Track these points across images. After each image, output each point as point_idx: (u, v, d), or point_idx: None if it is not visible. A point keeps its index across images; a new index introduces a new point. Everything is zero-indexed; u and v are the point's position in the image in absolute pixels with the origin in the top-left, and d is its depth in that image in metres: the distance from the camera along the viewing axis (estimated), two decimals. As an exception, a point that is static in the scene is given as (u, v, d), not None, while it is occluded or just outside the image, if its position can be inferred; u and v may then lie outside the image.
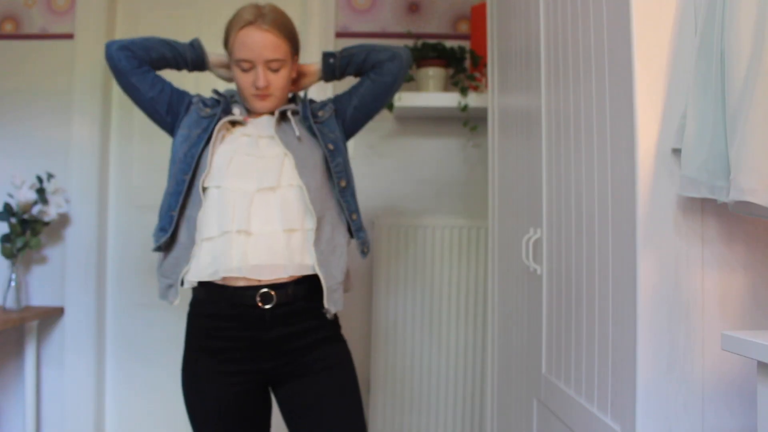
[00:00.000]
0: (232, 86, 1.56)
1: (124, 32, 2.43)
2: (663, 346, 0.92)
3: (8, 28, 2.39)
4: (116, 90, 2.43)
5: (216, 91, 1.54)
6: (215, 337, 1.34)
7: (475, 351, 2.26)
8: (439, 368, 2.26)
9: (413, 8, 2.38)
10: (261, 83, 1.38)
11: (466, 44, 2.29)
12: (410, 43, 2.27)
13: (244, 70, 1.40)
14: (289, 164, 1.35)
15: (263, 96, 1.41)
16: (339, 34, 2.36)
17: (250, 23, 1.36)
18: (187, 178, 1.37)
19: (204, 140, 1.39)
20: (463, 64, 2.20)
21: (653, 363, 0.92)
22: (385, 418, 2.25)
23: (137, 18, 2.44)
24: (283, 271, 1.30)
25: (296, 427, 1.37)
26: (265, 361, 1.33)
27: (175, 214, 1.36)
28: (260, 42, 1.36)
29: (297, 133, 1.41)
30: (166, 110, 1.48)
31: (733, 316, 0.93)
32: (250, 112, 1.48)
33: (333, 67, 1.53)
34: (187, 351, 1.41)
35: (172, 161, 1.45)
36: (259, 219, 1.30)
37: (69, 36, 2.36)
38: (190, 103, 1.49)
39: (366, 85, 1.52)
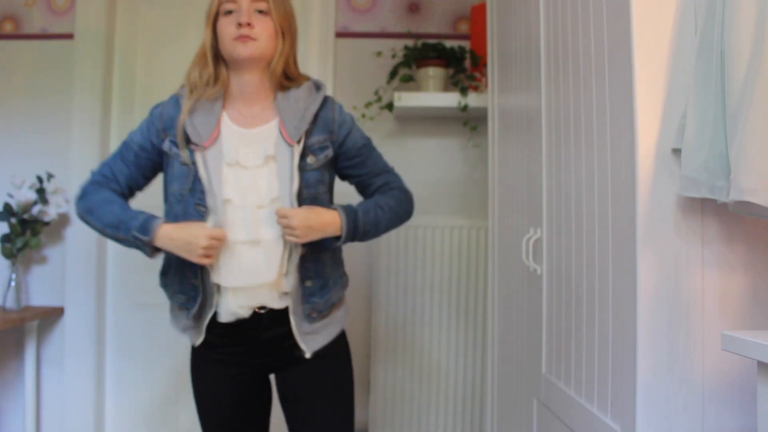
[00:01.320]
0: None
1: (124, 32, 2.43)
2: (663, 346, 0.92)
3: (8, 28, 2.39)
4: (116, 90, 2.43)
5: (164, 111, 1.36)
6: (215, 335, 1.37)
7: (475, 351, 2.26)
8: (439, 368, 2.26)
9: (413, 8, 2.38)
10: (244, 18, 1.25)
11: (466, 44, 2.29)
12: (410, 42, 2.27)
13: (228, 13, 1.29)
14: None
15: (246, 37, 1.26)
16: (339, 34, 2.36)
17: None
18: None
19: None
20: (463, 64, 2.20)
21: (653, 363, 0.91)
22: (385, 418, 2.25)
23: (137, 18, 2.44)
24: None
25: (287, 414, 1.42)
26: (264, 356, 1.38)
27: None
28: None
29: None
30: (156, 164, 1.37)
31: (733, 316, 0.93)
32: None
33: (353, 236, 1.35)
34: (192, 349, 1.45)
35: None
36: None
37: (69, 36, 2.36)
38: (161, 148, 1.33)
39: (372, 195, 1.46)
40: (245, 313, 1.30)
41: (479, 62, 2.16)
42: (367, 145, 1.44)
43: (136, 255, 2.39)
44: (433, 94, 2.17)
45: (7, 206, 2.19)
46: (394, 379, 2.26)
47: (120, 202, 1.31)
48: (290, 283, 1.30)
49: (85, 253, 2.32)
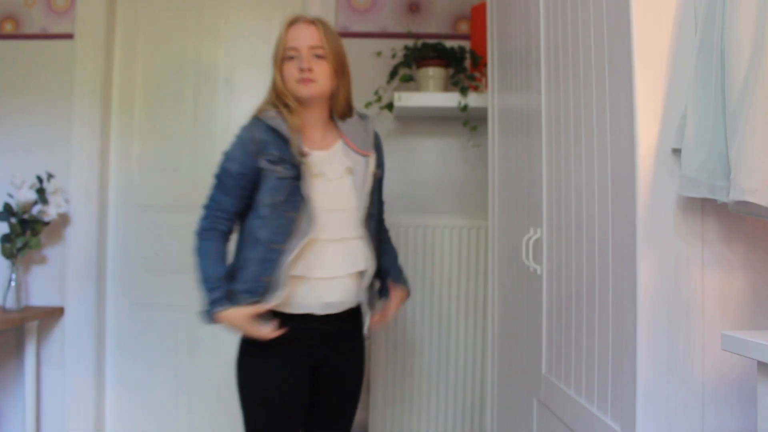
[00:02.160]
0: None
1: (124, 32, 2.43)
2: (663, 346, 0.92)
3: (8, 28, 2.39)
4: (116, 90, 2.43)
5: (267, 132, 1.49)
6: (294, 329, 1.49)
7: (475, 351, 2.26)
8: (439, 368, 2.26)
9: (413, 8, 2.38)
10: (305, 64, 1.47)
11: (466, 44, 2.29)
12: (410, 42, 2.27)
13: (290, 58, 1.50)
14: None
15: (307, 80, 1.48)
16: (339, 34, 2.36)
17: (297, 20, 1.53)
18: None
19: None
20: (463, 64, 2.20)
21: (653, 363, 0.91)
22: (385, 418, 2.25)
23: (137, 18, 2.44)
24: None
25: (316, 405, 1.57)
26: (325, 348, 1.53)
27: None
28: (305, 31, 1.50)
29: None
30: (254, 184, 1.49)
31: (734, 316, 0.93)
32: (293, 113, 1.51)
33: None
34: (257, 345, 1.48)
35: None
36: None
37: (69, 36, 2.36)
38: (258, 167, 1.47)
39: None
40: (332, 302, 1.49)
41: (479, 62, 2.16)
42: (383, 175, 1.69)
43: (135, 255, 2.40)
44: (433, 94, 2.17)
45: (7, 206, 2.19)
46: (394, 379, 2.26)
47: (214, 258, 1.49)
48: (366, 280, 1.55)
49: (85, 253, 2.32)
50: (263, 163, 1.45)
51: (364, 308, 1.56)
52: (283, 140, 1.46)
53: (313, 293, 1.47)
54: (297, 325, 1.47)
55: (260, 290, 1.44)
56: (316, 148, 1.51)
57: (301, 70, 1.47)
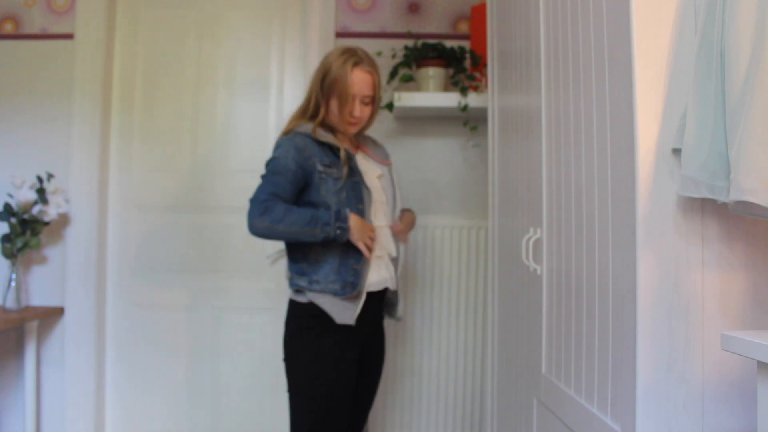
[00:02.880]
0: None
1: (124, 32, 2.43)
2: (663, 346, 0.92)
3: (8, 28, 2.39)
4: (116, 90, 2.43)
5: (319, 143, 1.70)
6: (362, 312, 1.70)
7: (475, 351, 2.26)
8: (439, 368, 2.26)
9: (413, 8, 2.38)
10: (357, 113, 1.71)
11: (466, 44, 2.29)
12: (410, 42, 2.27)
13: (363, 103, 1.73)
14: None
15: (354, 123, 1.73)
16: (339, 34, 2.36)
17: (360, 62, 1.70)
18: None
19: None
20: (463, 64, 2.20)
21: (653, 363, 0.91)
22: (385, 418, 2.25)
23: (137, 18, 2.44)
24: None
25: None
26: (367, 326, 1.73)
27: None
28: (365, 81, 1.70)
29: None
30: (303, 183, 1.68)
31: (734, 316, 0.93)
32: (335, 133, 1.74)
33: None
34: (326, 335, 1.65)
35: None
36: None
37: (69, 36, 2.36)
38: (313, 170, 1.67)
39: None
40: (379, 280, 1.71)
41: (479, 62, 2.16)
42: None
43: (135, 256, 2.40)
44: (433, 94, 2.17)
45: (7, 206, 2.19)
46: (394, 379, 2.26)
47: (299, 208, 1.63)
48: (400, 268, 1.82)
49: (85, 253, 2.32)
50: (319, 167, 1.65)
51: (399, 293, 1.84)
52: (330, 149, 1.68)
53: (372, 271, 1.69)
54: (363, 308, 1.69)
55: (352, 279, 1.65)
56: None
57: (352, 115, 1.70)
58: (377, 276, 1.70)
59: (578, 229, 1.15)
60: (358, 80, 1.69)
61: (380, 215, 1.75)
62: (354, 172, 1.69)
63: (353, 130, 1.75)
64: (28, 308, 2.25)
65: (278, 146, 1.67)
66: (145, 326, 2.39)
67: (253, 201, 1.61)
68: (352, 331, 1.66)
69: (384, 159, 1.86)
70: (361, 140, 1.85)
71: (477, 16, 2.20)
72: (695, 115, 0.87)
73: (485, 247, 2.24)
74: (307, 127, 1.70)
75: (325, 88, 1.70)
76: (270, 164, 1.66)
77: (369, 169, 1.76)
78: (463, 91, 2.13)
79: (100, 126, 2.35)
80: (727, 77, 0.82)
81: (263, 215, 1.59)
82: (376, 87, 1.73)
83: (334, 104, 1.70)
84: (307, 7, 2.35)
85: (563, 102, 1.22)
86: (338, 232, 1.60)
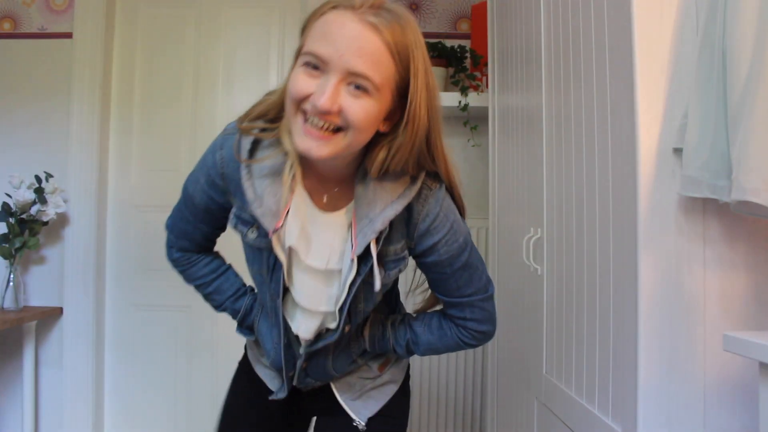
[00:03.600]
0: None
1: (122, 31, 2.43)
2: (664, 346, 0.91)
3: (7, 27, 2.39)
4: (115, 89, 2.43)
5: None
6: None
7: (475, 351, 2.25)
8: (439, 368, 2.26)
9: (413, 7, 2.38)
10: (326, 103, 0.79)
11: (466, 43, 2.28)
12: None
13: (310, 69, 0.81)
14: None
15: (319, 130, 0.81)
16: (338, 34, 2.36)
17: (348, 7, 0.81)
18: None
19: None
20: (463, 64, 2.20)
21: (654, 363, 0.91)
22: (385, 419, 2.24)
23: (136, 17, 2.44)
24: None
25: None
26: None
27: None
28: (352, 35, 0.79)
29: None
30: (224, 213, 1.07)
31: (735, 317, 0.92)
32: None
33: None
34: None
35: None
36: None
37: (68, 35, 2.35)
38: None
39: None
40: None
41: (480, 62, 2.15)
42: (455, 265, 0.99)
43: (134, 255, 2.40)
44: (433, 94, 2.16)
45: (5, 206, 2.18)
46: (394, 379, 2.25)
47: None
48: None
49: (83, 254, 2.31)
50: (233, 222, 1.08)
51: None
52: None
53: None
54: None
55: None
56: (318, 206, 1.04)
57: (314, 104, 0.80)
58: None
59: (579, 228, 1.14)
60: (336, 32, 0.79)
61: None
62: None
63: (311, 150, 0.82)
64: (26, 308, 2.24)
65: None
66: (144, 326, 2.39)
67: None
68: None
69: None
70: (363, 200, 0.91)
71: (477, 16, 2.19)
72: (697, 115, 0.87)
73: (485, 247, 2.23)
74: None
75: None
76: None
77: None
78: (464, 91, 2.12)
79: (99, 125, 2.34)
80: (729, 77, 0.82)
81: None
82: (391, 56, 0.81)
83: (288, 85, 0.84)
84: (306, 5, 2.34)
85: (564, 101, 1.22)
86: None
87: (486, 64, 2.05)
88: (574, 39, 1.17)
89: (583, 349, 1.12)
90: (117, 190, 2.42)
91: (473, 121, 2.23)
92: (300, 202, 0.95)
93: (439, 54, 2.17)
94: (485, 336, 1.05)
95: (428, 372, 2.26)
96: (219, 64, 2.42)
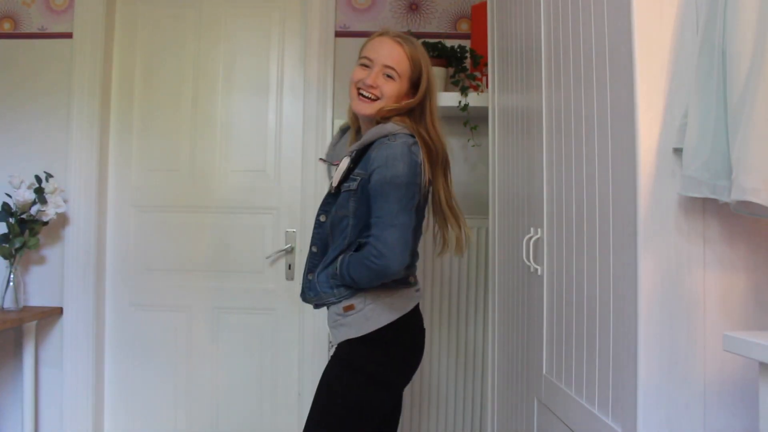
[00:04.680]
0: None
1: (123, 31, 2.43)
2: (664, 346, 0.91)
3: (6, 27, 2.39)
4: (115, 89, 2.43)
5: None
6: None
7: (475, 351, 2.25)
8: (439, 368, 2.26)
9: (413, 7, 2.38)
10: (370, 80, 1.45)
11: (466, 43, 2.28)
12: (410, 42, 2.26)
13: (363, 66, 1.48)
14: None
15: (364, 97, 1.46)
16: (339, 33, 2.36)
17: (385, 34, 1.51)
18: None
19: None
20: (463, 64, 2.20)
21: (655, 363, 0.91)
22: (385, 419, 2.24)
23: (136, 17, 2.44)
24: None
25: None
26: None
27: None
28: (387, 47, 1.47)
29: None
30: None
31: (735, 317, 0.92)
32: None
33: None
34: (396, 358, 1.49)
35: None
36: None
37: (68, 35, 2.35)
38: None
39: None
40: None
41: (480, 62, 2.15)
42: (378, 190, 1.41)
43: (134, 255, 2.40)
44: (433, 94, 2.16)
45: (5, 206, 2.18)
46: (394, 379, 2.25)
47: None
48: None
49: (83, 254, 2.31)
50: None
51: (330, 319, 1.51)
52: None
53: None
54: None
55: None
56: None
57: (365, 82, 1.48)
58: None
59: (579, 228, 1.14)
60: (379, 44, 1.48)
61: None
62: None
63: (362, 106, 1.47)
64: (26, 308, 2.24)
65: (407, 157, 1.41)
66: (144, 326, 2.39)
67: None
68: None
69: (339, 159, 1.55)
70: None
71: (477, 16, 2.19)
72: (697, 115, 0.86)
73: (485, 247, 2.23)
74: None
75: None
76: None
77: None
78: (464, 91, 2.12)
79: (99, 125, 2.34)
80: (729, 76, 0.82)
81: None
82: (409, 61, 1.47)
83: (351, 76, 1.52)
84: (306, 5, 2.34)
85: (564, 101, 1.22)
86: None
87: (486, 64, 2.05)
88: (574, 39, 1.17)
89: (583, 349, 1.12)
90: (117, 190, 2.42)
91: (473, 121, 2.23)
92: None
93: (439, 54, 2.17)
94: (380, 255, 1.36)
95: (428, 372, 2.26)
96: (219, 63, 2.42)
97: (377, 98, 1.46)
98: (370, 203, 1.41)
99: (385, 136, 1.42)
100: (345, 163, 1.44)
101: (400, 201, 1.38)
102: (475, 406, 2.25)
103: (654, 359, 0.91)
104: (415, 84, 1.49)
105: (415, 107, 1.49)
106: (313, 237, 1.55)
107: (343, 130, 1.65)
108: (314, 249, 1.55)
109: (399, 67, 1.46)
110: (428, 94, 1.50)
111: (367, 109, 1.47)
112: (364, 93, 1.46)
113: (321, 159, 1.54)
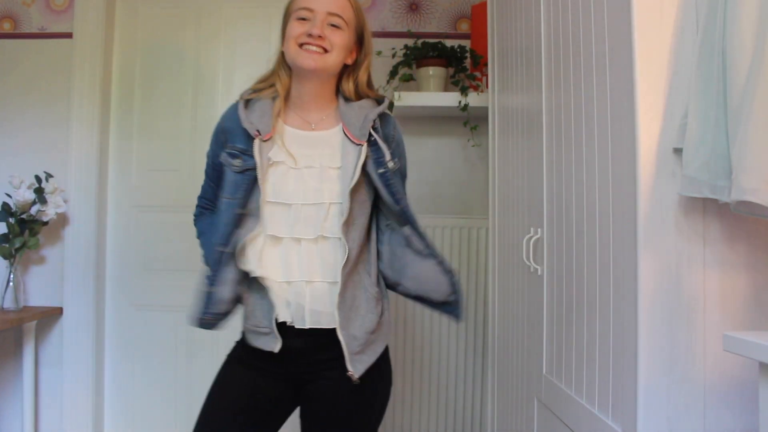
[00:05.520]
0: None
1: (123, 31, 2.43)
2: (664, 346, 0.91)
3: (6, 27, 2.39)
4: (115, 89, 2.43)
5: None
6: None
7: (475, 351, 2.25)
8: (439, 368, 2.26)
9: (413, 7, 2.38)
10: (316, 30, 1.21)
11: (466, 43, 2.28)
12: (410, 42, 2.26)
13: (301, 19, 1.24)
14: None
15: (314, 48, 1.22)
16: (338, 34, 2.36)
17: None
18: None
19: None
20: (463, 64, 2.20)
21: (654, 363, 0.91)
22: (386, 418, 2.24)
23: (136, 17, 2.44)
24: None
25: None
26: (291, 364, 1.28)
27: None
28: None
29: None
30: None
31: (735, 317, 0.92)
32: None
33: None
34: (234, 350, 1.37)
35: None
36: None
37: (68, 35, 2.35)
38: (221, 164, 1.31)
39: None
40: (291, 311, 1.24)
41: (480, 62, 2.15)
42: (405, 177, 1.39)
43: (134, 256, 2.40)
44: (433, 94, 2.16)
45: (5, 206, 2.18)
46: (395, 378, 2.25)
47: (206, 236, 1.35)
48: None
49: (83, 254, 2.31)
50: (223, 156, 1.28)
51: (342, 333, 1.21)
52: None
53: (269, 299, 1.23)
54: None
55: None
56: (305, 129, 1.29)
57: (310, 34, 1.23)
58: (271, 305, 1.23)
59: (579, 229, 1.14)
60: None
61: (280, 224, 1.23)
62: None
63: (311, 61, 1.21)
64: (26, 308, 2.24)
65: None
66: (144, 326, 2.39)
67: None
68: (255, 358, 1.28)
69: (356, 135, 1.26)
70: (344, 109, 1.29)
71: (477, 16, 2.19)
72: (697, 115, 0.86)
73: (485, 247, 2.23)
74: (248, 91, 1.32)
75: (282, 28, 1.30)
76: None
77: (308, 153, 1.25)
78: (464, 91, 2.12)
79: (99, 125, 2.34)
80: (729, 76, 0.82)
81: (195, 221, 1.43)
82: (353, 9, 1.27)
83: (286, 34, 1.26)
84: (306, 6, 2.34)
85: (564, 101, 1.22)
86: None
87: (486, 64, 2.05)
88: (574, 39, 1.17)
89: (583, 349, 1.12)
90: (117, 190, 2.42)
91: (473, 121, 2.23)
92: (288, 133, 1.28)
93: (439, 54, 2.17)
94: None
95: (428, 371, 2.26)
96: (219, 63, 2.42)
97: (326, 51, 1.23)
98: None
99: (385, 106, 1.32)
100: (363, 150, 1.23)
101: None
102: (475, 406, 2.25)
103: (654, 359, 0.91)
104: (359, 37, 1.30)
105: (361, 66, 1.31)
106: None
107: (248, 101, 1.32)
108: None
109: (345, 15, 1.25)
110: (370, 51, 1.33)
111: (319, 61, 1.22)
112: (312, 47, 1.22)
113: (257, 132, 1.23)
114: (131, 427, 2.40)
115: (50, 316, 2.29)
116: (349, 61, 1.31)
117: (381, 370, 1.30)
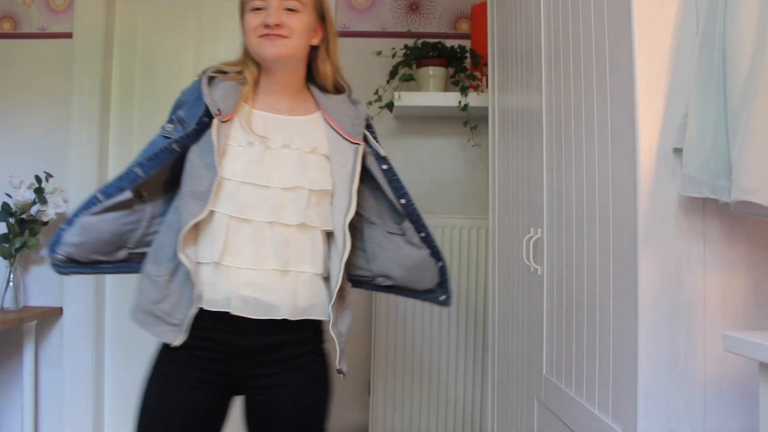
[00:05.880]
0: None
1: (123, 31, 2.43)
2: (664, 346, 0.91)
3: (6, 27, 2.39)
4: (115, 89, 2.43)
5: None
6: (193, 337, 1.22)
7: (475, 351, 2.25)
8: (439, 368, 2.26)
9: (413, 7, 2.38)
10: (272, 19, 1.18)
11: (466, 43, 2.28)
12: (410, 42, 2.26)
13: (256, 9, 1.23)
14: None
15: (273, 36, 1.19)
16: (339, 33, 2.33)
17: None
18: None
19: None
20: (463, 64, 2.20)
21: (655, 363, 0.91)
22: (385, 418, 2.24)
23: (136, 17, 2.44)
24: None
25: None
26: (238, 366, 1.21)
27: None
28: None
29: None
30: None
31: (735, 317, 0.92)
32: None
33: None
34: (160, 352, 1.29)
35: None
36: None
37: (68, 35, 2.35)
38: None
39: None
40: (249, 299, 1.18)
41: (480, 62, 2.15)
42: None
43: (135, 255, 2.39)
44: (433, 94, 2.16)
45: (5, 206, 2.18)
46: (394, 379, 2.25)
47: None
48: (333, 287, 1.22)
49: (84, 253, 2.31)
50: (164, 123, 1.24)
51: (334, 330, 1.18)
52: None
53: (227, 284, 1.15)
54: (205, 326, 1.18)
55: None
56: (277, 114, 1.26)
57: (266, 24, 1.21)
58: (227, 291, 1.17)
59: (579, 228, 1.14)
60: None
61: (251, 206, 1.16)
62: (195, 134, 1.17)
63: (273, 49, 1.20)
64: (26, 308, 2.24)
65: None
66: (144, 326, 2.39)
67: None
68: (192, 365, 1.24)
69: (350, 133, 1.25)
70: (324, 101, 1.28)
71: (477, 16, 2.19)
72: (697, 115, 0.86)
73: (485, 247, 2.23)
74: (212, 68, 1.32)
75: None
76: None
77: (282, 136, 1.20)
78: (464, 91, 2.12)
79: (99, 125, 2.34)
80: (729, 76, 0.82)
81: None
82: None
83: (243, 27, 1.26)
84: (306, 6, 2.34)
85: (564, 101, 1.22)
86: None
87: (486, 64, 2.05)
88: (574, 39, 1.17)
89: (583, 349, 1.12)
90: (117, 190, 2.41)
91: (473, 121, 2.23)
92: (257, 116, 1.24)
93: (439, 54, 2.17)
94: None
95: (428, 371, 2.26)
96: (219, 64, 2.42)
97: (284, 36, 1.20)
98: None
99: (364, 108, 1.33)
100: (361, 150, 1.25)
101: None
102: (475, 406, 2.25)
103: (654, 359, 0.91)
104: (321, 16, 1.27)
105: (330, 41, 1.29)
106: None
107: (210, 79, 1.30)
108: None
109: None
110: (333, 30, 1.31)
111: (282, 47, 1.20)
112: (271, 37, 1.21)
113: (218, 111, 1.18)
114: (131, 426, 2.39)
115: (50, 316, 2.29)
116: (316, 41, 1.27)
117: (329, 366, 1.28)
